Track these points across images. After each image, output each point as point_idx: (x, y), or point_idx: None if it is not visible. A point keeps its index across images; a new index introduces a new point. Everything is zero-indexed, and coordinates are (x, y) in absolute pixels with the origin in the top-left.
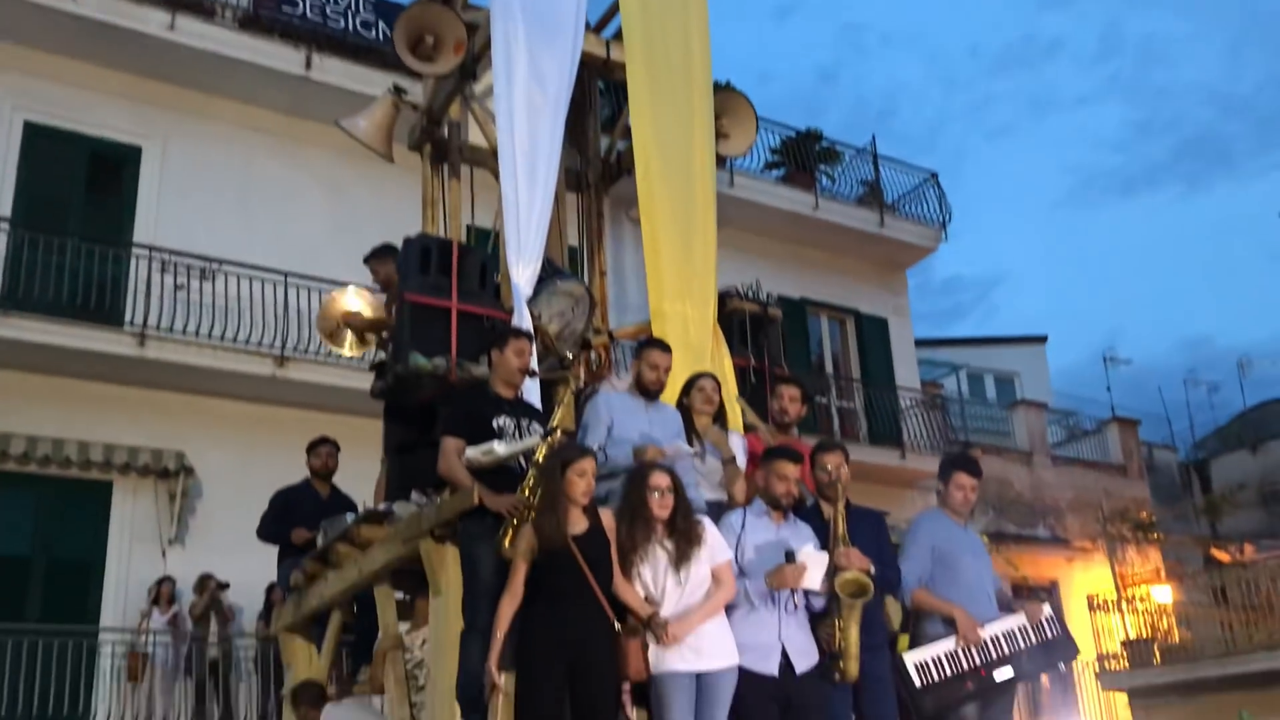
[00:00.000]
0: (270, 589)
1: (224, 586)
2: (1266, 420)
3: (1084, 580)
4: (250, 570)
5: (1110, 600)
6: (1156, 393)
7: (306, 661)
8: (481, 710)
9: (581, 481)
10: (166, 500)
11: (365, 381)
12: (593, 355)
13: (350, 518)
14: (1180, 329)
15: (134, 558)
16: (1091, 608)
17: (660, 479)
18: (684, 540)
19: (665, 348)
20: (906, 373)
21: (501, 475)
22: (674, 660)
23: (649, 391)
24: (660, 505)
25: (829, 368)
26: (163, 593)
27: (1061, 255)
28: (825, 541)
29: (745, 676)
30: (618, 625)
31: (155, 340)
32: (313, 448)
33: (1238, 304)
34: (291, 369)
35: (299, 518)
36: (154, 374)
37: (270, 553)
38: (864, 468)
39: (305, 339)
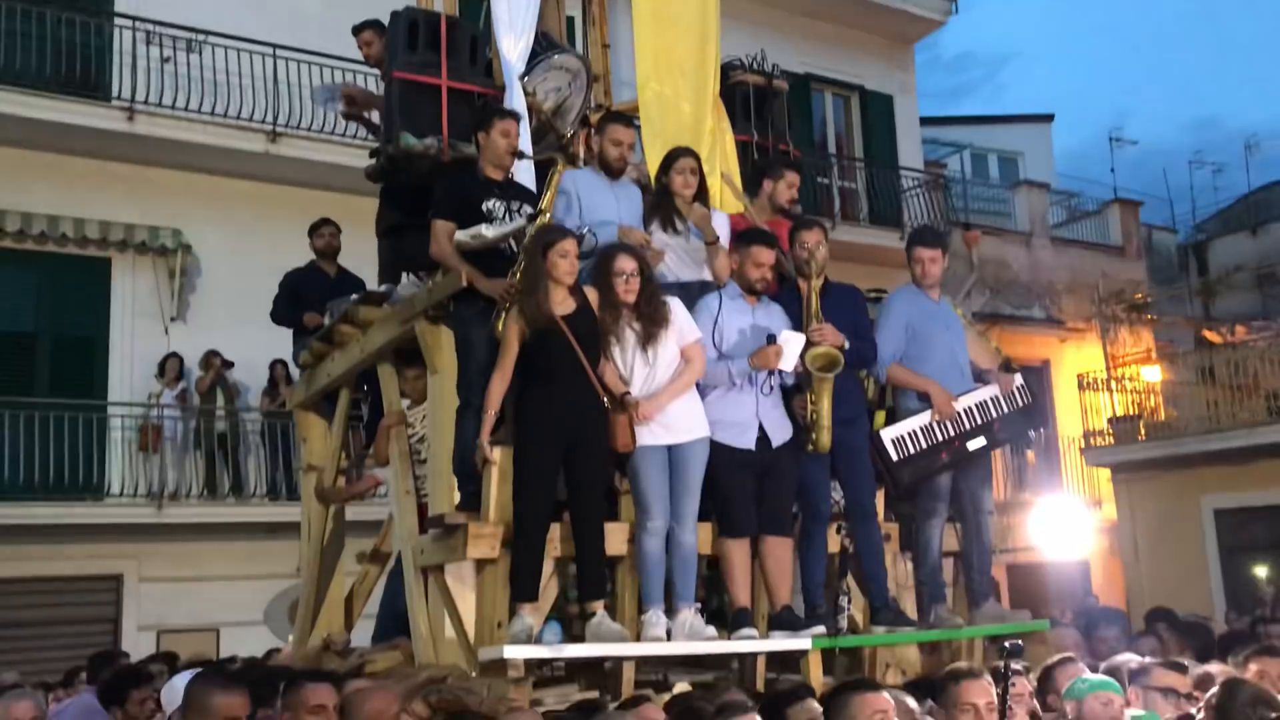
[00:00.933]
0: (273, 365)
1: (229, 365)
2: (1270, 202)
3: (1075, 360)
4: (253, 346)
5: (1100, 379)
6: (1161, 174)
7: (321, 437)
8: (476, 481)
9: (564, 262)
10: (166, 277)
11: (360, 158)
12: (592, 133)
13: (353, 299)
14: (1189, 110)
15: (137, 334)
16: (1081, 387)
17: (626, 263)
18: (650, 322)
19: (627, 121)
20: (910, 152)
21: (495, 258)
22: (645, 436)
23: (612, 169)
24: (626, 289)
25: (831, 147)
26: (169, 369)
27: (1073, 32)
28: (801, 317)
29: (724, 451)
30: (606, 401)
31: (144, 115)
32: (314, 230)
33: (1250, 83)
34: (284, 145)
35: (309, 299)
36: (145, 150)
37: (272, 328)
38: (863, 249)
39: (297, 114)
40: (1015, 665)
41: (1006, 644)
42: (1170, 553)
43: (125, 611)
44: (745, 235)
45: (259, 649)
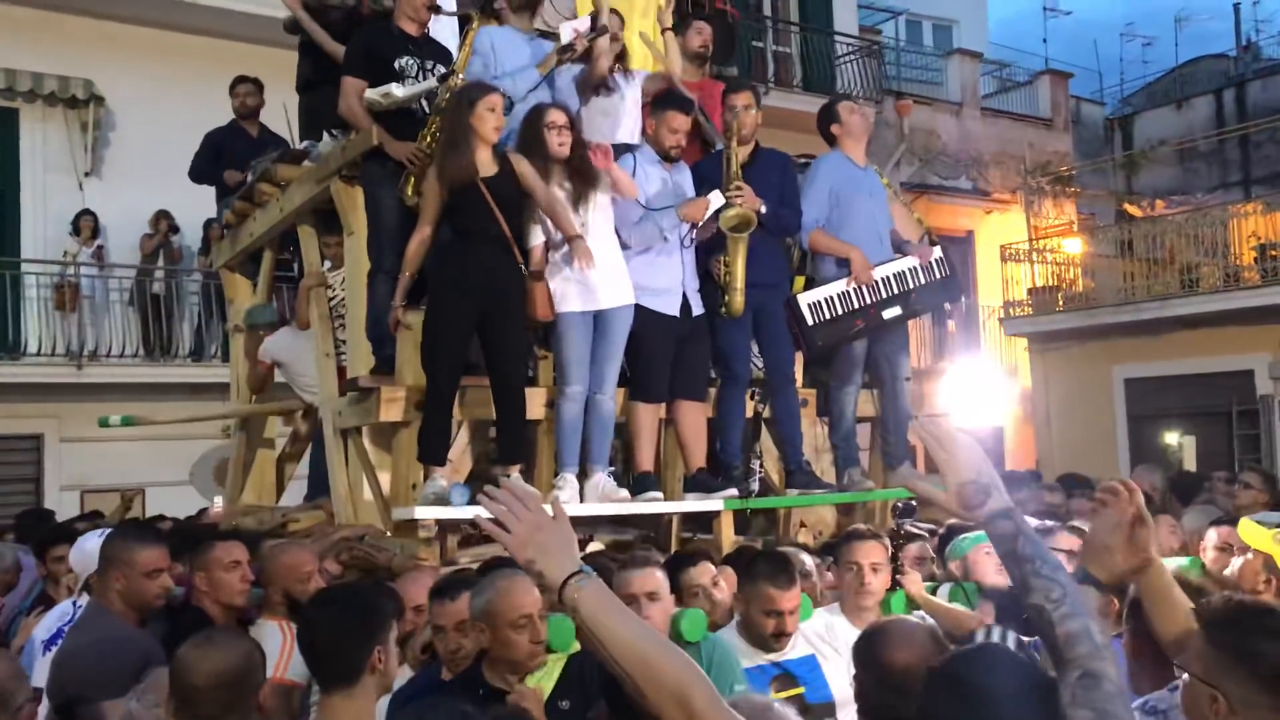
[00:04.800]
0: (208, 224)
1: (176, 230)
2: (1195, 77)
3: (999, 231)
4: (169, 203)
5: (1022, 251)
6: (1092, 46)
7: (247, 296)
8: (390, 345)
9: (491, 116)
10: (78, 131)
11: (280, 8)
12: None
13: (273, 156)
14: None
15: (50, 190)
16: (1003, 258)
17: (558, 115)
18: (582, 180)
19: None
20: (845, 17)
21: (405, 119)
22: (572, 301)
23: (528, 5)
24: (559, 143)
25: (767, 10)
26: (84, 226)
27: None
28: (723, 178)
29: (650, 316)
30: (524, 268)
31: None
32: (232, 89)
33: None
34: None
35: (232, 159)
36: None
37: (188, 186)
38: (794, 115)
39: None
40: (916, 528)
41: (898, 504)
42: (1081, 420)
43: (46, 471)
44: (662, 100)
45: (186, 509)
